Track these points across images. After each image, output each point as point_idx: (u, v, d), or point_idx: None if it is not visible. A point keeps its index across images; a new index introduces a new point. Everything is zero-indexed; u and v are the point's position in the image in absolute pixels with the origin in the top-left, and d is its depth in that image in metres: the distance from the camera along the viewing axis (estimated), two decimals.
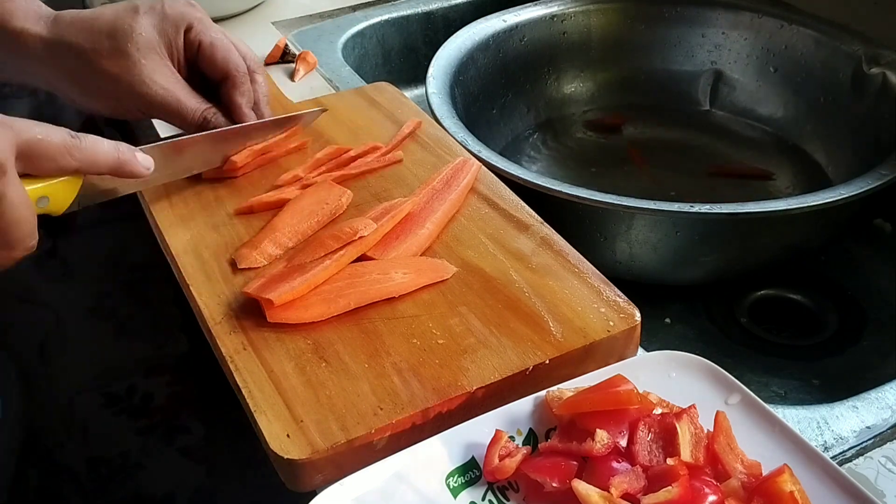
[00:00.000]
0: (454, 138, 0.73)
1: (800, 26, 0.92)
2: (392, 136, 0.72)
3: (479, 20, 0.95)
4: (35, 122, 0.50)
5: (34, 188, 0.52)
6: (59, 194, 0.54)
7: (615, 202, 0.67)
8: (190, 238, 0.61)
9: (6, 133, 0.48)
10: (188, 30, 0.67)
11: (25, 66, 0.67)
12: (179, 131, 0.70)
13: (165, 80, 0.66)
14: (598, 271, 0.57)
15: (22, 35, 0.65)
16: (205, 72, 0.68)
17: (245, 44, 0.71)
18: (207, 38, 0.67)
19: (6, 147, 0.48)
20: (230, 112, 0.68)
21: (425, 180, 0.66)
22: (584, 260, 0.58)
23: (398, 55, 1.09)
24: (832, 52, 0.89)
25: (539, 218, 0.62)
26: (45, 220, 0.54)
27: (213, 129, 0.67)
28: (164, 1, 0.67)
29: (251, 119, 0.69)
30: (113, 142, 0.55)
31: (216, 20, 1.06)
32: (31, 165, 0.50)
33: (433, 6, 1.09)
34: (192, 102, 0.67)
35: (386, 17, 1.06)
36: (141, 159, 0.57)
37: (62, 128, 0.51)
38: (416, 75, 1.06)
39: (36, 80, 0.68)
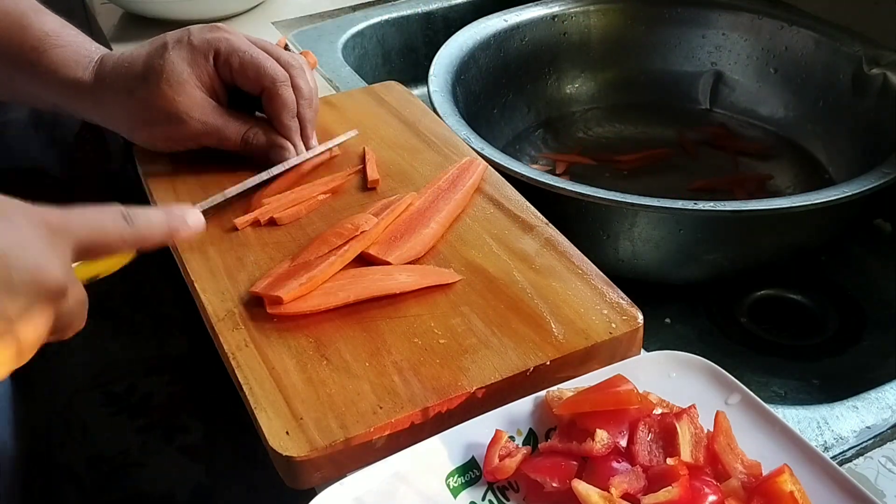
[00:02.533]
0: (458, 136, 0.73)
1: (800, 27, 0.92)
2: (400, 134, 0.73)
3: (480, 20, 0.95)
4: (86, 213, 0.45)
5: (88, 270, 0.48)
6: (110, 268, 0.50)
7: (619, 199, 0.67)
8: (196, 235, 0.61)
9: (64, 244, 0.43)
10: (216, 56, 0.66)
11: (78, 108, 0.69)
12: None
13: (202, 113, 0.66)
14: (601, 273, 0.57)
15: (72, 83, 0.67)
16: (246, 90, 0.68)
17: (276, 46, 0.70)
18: (236, 61, 0.66)
19: (66, 265, 0.43)
20: (274, 126, 0.68)
21: (431, 179, 0.66)
22: (588, 261, 0.58)
23: (398, 55, 1.09)
24: (832, 53, 0.89)
25: (544, 219, 0.62)
26: None
27: (255, 147, 0.68)
28: (189, 31, 0.67)
29: (293, 130, 0.68)
30: (161, 211, 0.50)
31: (216, 20, 1.06)
32: (85, 257, 0.46)
33: (433, 6, 1.09)
34: (232, 128, 0.67)
35: (386, 17, 1.07)
36: (192, 222, 0.51)
37: (113, 208, 0.47)
38: (415, 75, 1.06)
39: (92, 119, 0.70)
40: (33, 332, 0.41)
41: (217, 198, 0.64)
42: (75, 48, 0.68)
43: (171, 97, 0.65)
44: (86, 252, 0.45)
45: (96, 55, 0.68)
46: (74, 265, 0.45)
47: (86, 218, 0.45)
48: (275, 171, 0.67)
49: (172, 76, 0.65)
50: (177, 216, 0.50)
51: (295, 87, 0.68)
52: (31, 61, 0.67)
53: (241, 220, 0.63)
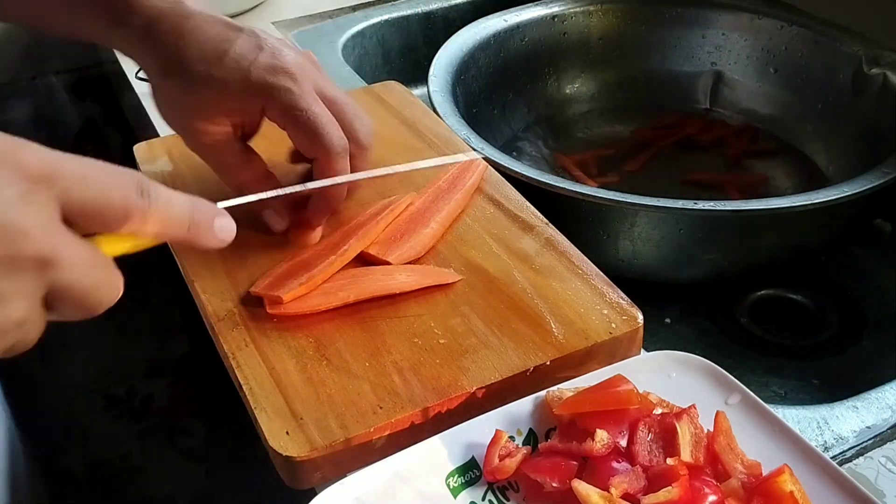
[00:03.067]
0: (458, 136, 0.73)
1: (800, 27, 0.92)
2: (400, 134, 0.73)
3: (480, 20, 0.95)
4: (86, 165, 0.37)
5: (111, 244, 0.39)
6: (140, 245, 0.41)
7: (619, 199, 0.67)
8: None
9: (46, 198, 0.34)
10: (266, 101, 0.56)
11: (131, 32, 0.57)
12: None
13: (222, 141, 0.57)
14: (601, 273, 0.57)
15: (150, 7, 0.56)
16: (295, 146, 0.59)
17: (343, 95, 0.59)
18: (290, 120, 0.55)
19: (48, 223, 0.35)
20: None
21: (431, 179, 0.66)
22: (588, 261, 0.58)
23: (398, 55, 1.09)
24: (832, 53, 0.89)
25: (544, 219, 0.62)
26: None
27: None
28: (258, 53, 0.56)
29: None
30: (187, 199, 0.41)
31: None
32: (78, 224, 0.37)
33: (433, 6, 1.09)
34: (246, 176, 0.58)
35: (386, 17, 1.06)
36: (218, 228, 0.43)
37: (128, 173, 0.38)
38: (416, 75, 1.06)
39: (130, 44, 0.58)
40: (12, 309, 0.34)
41: (250, 198, 0.52)
42: None
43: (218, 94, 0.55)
44: (78, 217, 0.36)
45: None
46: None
47: (83, 172, 0.36)
48: (312, 185, 0.56)
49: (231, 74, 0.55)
50: (205, 212, 0.42)
51: (354, 141, 0.58)
52: None
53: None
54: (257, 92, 0.55)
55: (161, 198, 0.39)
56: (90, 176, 0.36)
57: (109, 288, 0.38)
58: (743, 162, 0.93)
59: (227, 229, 0.43)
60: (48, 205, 0.34)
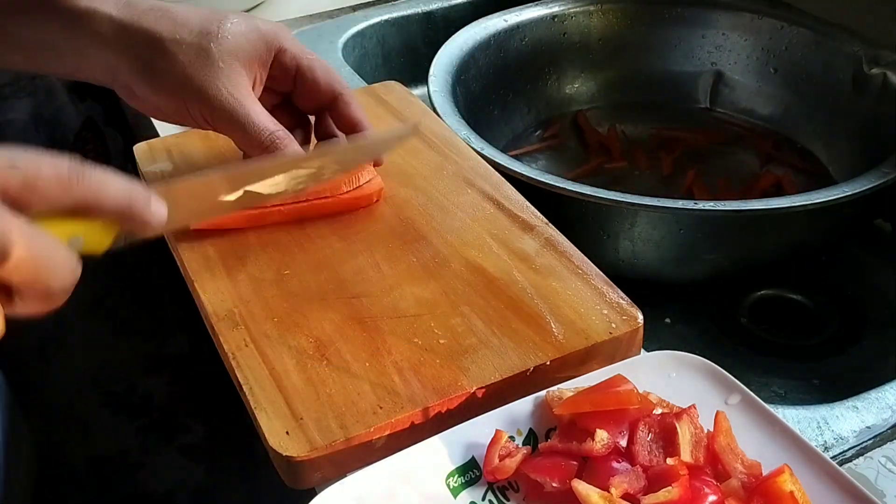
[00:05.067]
0: (458, 136, 0.73)
1: (800, 27, 0.92)
2: None
3: (480, 20, 0.95)
4: (20, 152, 0.40)
5: (62, 227, 0.42)
6: (94, 233, 0.44)
7: (619, 199, 0.67)
8: (196, 234, 0.62)
9: None
10: (281, 52, 0.60)
11: (87, 49, 0.59)
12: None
13: (239, 91, 0.58)
14: (601, 273, 0.57)
15: (89, 15, 0.58)
16: (303, 98, 0.63)
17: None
18: (306, 61, 0.61)
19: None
20: (346, 132, 0.63)
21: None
22: (588, 261, 0.58)
23: (398, 55, 1.09)
24: (832, 52, 0.89)
25: (544, 218, 0.62)
26: None
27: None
28: (256, 17, 0.61)
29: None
30: (127, 182, 0.44)
31: None
32: (19, 207, 0.39)
33: (433, 6, 1.09)
34: (264, 119, 0.59)
35: (386, 17, 1.06)
36: (154, 208, 0.45)
37: (61, 157, 0.41)
38: (416, 75, 1.06)
39: (94, 66, 0.60)
40: None
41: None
42: None
43: (216, 59, 0.58)
44: (16, 200, 0.38)
45: None
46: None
47: (11, 154, 0.39)
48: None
49: (227, 42, 0.58)
50: (140, 194, 0.44)
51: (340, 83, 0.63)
52: None
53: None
54: (269, 39, 0.59)
55: (97, 173, 0.42)
56: (20, 158, 0.39)
57: (65, 270, 0.40)
58: (743, 161, 0.93)
59: (160, 214, 0.45)
60: None
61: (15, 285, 0.38)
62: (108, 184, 0.43)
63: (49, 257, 0.39)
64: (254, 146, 0.59)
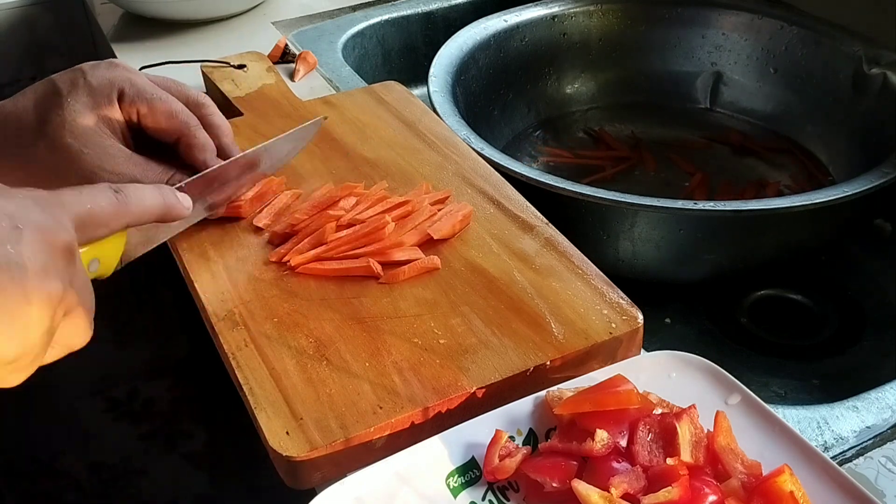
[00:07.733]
0: (458, 136, 0.73)
1: (800, 27, 0.92)
2: (400, 134, 0.73)
3: (480, 20, 0.95)
4: (77, 190, 0.44)
5: (84, 251, 0.45)
6: (108, 253, 0.48)
7: (619, 199, 0.67)
8: (196, 236, 0.62)
9: (61, 213, 0.41)
10: (120, 97, 0.59)
11: None
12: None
13: (114, 163, 0.57)
14: (601, 273, 0.57)
15: None
16: (154, 136, 0.61)
17: (180, 83, 0.63)
18: (144, 104, 0.59)
19: (69, 225, 0.41)
20: (197, 171, 0.61)
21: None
22: (588, 261, 0.58)
23: (398, 55, 1.09)
24: (832, 52, 0.89)
25: (544, 219, 0.62)
26: None
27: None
28: (83, 71, 0.58)
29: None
30: (154, 187, 0.49)
31: (216, 20, 1.06)
32: (83, 237, 0.44)
33: (433, 6, 1.09)
34: (151, 177, 0.59)
35: (386, 17, 1.06)
36: (182, 199, 0.51)
37: (103, 186, 0.45)
38: (416, 75, 1.06)
39: None
40: (52, 294, 0.38)
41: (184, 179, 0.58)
42: None
43: (78, 151, 0.56)
44: (83, 226, 0.43)
45: None
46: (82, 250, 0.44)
47: (77, 192, 0.44)
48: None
49: (75, 126, 0.56)
50: (169, 193, 0.50)
51: (210, 126, 0.62)
52: None
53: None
54: (106, 92, 0.58)
55: (130, 189, 0.46)
56: (83, 194, 0.43)
57: (92, 301, 0.43)
58: (743, 161, 0.93)
59: (187, 201, 0.52)
60: (65, 218, 0.41)
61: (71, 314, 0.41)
62: (144, 194, 0.47)
63: (92, 301, 0.43)
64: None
